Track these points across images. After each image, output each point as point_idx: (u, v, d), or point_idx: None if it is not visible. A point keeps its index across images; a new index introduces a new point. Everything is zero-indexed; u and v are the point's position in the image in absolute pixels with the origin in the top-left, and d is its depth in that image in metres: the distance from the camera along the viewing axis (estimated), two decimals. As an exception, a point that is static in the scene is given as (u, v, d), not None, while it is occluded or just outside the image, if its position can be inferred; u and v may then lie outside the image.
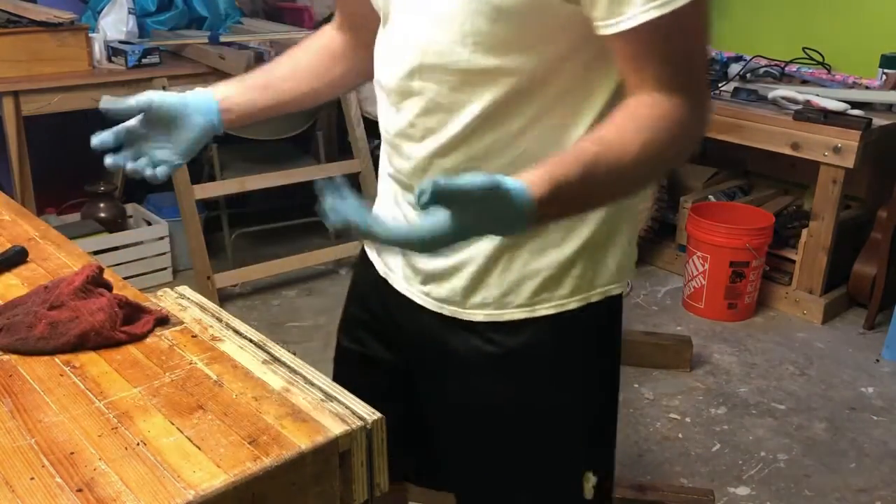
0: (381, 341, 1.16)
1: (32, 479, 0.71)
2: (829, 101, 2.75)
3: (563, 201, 0.81)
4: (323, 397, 0.84)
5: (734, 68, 3.15)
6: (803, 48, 3.12)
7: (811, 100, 2.78)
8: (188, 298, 1.05)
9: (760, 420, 2.34)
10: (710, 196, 3.19)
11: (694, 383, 2.52)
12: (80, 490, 0.70)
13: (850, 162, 2.65)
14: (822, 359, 2.68)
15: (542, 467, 1.07)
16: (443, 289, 1.03)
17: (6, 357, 0.90)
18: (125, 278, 1.11)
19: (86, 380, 0.86)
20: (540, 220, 0.80)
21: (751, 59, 3.16)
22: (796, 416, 2.36)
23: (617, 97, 0.90)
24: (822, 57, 3.10)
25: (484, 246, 0.98)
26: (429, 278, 1.04)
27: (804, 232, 2.88)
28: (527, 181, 0.77)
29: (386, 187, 1.09)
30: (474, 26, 0.86)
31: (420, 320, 1.06)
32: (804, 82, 3.11)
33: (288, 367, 0.90)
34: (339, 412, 0.81)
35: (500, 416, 1.06)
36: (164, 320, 0.98)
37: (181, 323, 0.99)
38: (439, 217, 0.75)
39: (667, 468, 2.12)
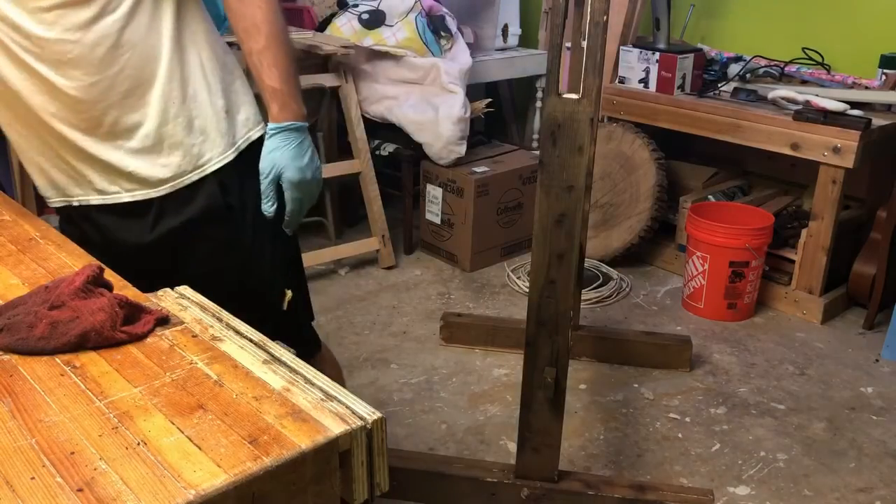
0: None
1: (33, 478, 0.71)
2: (828, 101, 2.75)
3: (286, 90, 1.25)
4: (323, 397, 0.84)
5: (734, 68, 3.15)
6: (803, 48, 3.12)
7: (811, 100, 2.78)
8: (188, 298, 1.05)
9: (760, 420, 2.34)
10: (709, 196, 3.19)
11: (694, 383, 2.52)
12: (80, 490, 0.70)
13: (849, 162, 2.65)
14: (821, 359, 2.68)
15: (249, 291, 1.36)
16: (136, 180, 1.27)
17: (6, 357, 0.91)
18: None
19: (86, 380, 0.87)
20: (297, 111, 1.26)
21: (750, 60, 3.16)
22: (796, 416, 2.36)
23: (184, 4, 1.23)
24: (822, 57, 3.10)
25: (147, 131, 1.24)
26: (122, 178, 1.27)
27: (804, 232, 2.88)
28: (270, 120, 1.25)
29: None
30: None
31: (130, 219, 1.30)
32: (804, 82, 3.11)
33: (288, 366, 0.90)
34: (339, 412, 0.81)
35: (209, 258, 1.34)
36: (164, 320, 0.98)
37: (181, 323, 0.99)
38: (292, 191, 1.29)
39: (666, 468, 2.12)
